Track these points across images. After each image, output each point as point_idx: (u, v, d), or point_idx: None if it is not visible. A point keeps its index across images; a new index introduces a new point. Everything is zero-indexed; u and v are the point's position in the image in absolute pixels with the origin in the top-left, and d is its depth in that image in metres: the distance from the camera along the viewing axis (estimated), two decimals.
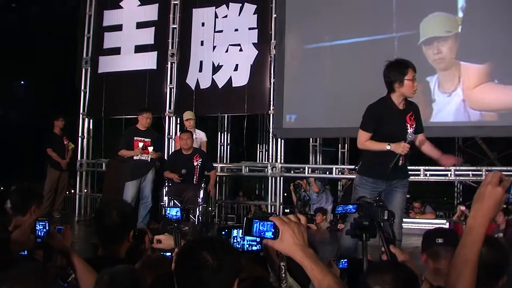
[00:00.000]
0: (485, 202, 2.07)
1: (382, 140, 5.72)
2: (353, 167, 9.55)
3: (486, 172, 10.66)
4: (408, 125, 5.74)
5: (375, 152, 5.79)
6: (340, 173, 11.94)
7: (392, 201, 5.63)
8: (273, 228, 2.16)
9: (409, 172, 10.77)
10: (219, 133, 13.72)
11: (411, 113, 5.81)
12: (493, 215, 2.09)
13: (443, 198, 15.24)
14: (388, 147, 5.62)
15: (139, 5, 13.13)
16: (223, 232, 2.60)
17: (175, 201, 9.48)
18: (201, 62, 12.33)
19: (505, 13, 9.88)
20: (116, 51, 13.19)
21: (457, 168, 11.29)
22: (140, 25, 13.02)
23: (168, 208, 3.93)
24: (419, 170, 11.07)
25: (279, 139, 11.79)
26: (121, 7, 13.28)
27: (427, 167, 11.00)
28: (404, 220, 10.47)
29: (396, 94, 5.74)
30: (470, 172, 11.16)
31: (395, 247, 3.25)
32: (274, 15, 11.79)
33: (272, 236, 2.16)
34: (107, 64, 13.26)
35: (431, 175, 11.19)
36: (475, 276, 2.07)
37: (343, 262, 3.36)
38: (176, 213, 3.87)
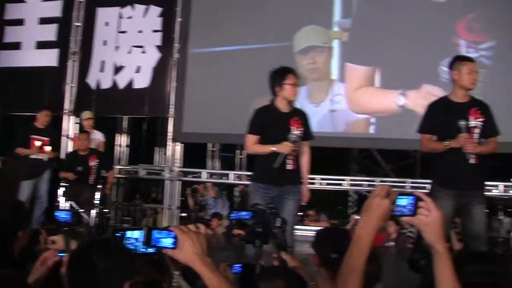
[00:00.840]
0: (373, 213, 2.15)
1: (268, 143, 5.84)
2: (250, 173, 9.64)
3: (380, 183, 11.02)
4: (293, 127, 5.86)
5: (263, 156, 5.93)
6: (237, 179, 12.01)
7: (284, 208, 5.71)
8: (173, 238, 2.18)
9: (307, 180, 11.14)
10: (117, 134, 13.49)
11: (298, 118, 5.95)
12: (379, 226, 2.17)
13: (337, 207, 15.55)
14: (273, 149, 5.73)
15: (43, 1, 12.76)
16: (118, 234, 2.59)
17: (72, 203, 9.27)
18: (103, 62, 12.12)
19: (386, 21, 10.33)
20: (16, 46, 12.74)
21: (352, 178, 11.65)
22: (43, 21, 12.63)
23: (58, 211, 3.87)
24: (314, 179, 11.31)
25: (177, 143, 11.78)
26: (24, 1, 12.84)
27: (323, 176, 11.27)
28: (299, 227, 10.71)
29: (279, 98, 5.94)
30: (364, 183, 11.50)
31: (286, 254, 3.30)
32: (178, 19, 11.75)
33: (173, 246, 2.19)
34: (6, 59, 12.80)
35: (327, 183, 11.45)
36: (361, 284, 2.14)
37: (237, 267, 3.38)
38: (66, 215, 3.81)
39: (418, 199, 2.13)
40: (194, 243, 2.18)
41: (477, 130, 5.42)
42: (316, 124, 9.78)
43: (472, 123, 5.41)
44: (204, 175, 12.08)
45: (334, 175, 11.82)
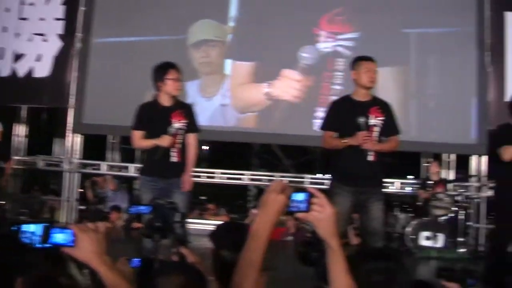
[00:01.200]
0: (269, 209, 2.20)
1: (151, 137, 5.95)
2: None
3: (280, 178, 11.20)
4: (175, 120, 5.92)
5: (148, 150, 6.02)
6: (137, 172, 11.86)
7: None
8: (72, 236, 2.17)
9: (207, 175, 11.22)
10: (15, 124, 13.06)
11: (181, 111, 6.03)
12: (276, 220, 2.21)
13: (237, 201, 15.68)
14: (155, 142, 5.86)
15: None
16: (14, 228, 2.55)
17: None
18: (2, 49, 11.68)
19: (265, 18, 10.70)
20: None
21: (252, 173, 11.76)
22: None
23: None
24: (214, 173, 11.37)
25: (77, 134, 11.58)
26: None
27: (223, 170, 11.34)
28: (198, 221, 10.75)
29: (162, 93, 6.00)
30: (264, 177, 11.64)
31: (186, 248, 3.32)
32: (82, 8, 11.50)
33: (71, 244, 2.18)
34: None
35: (227, 178, 11.52)
36: (259, 278, 2.18)
37: (136, 261, 3.38)
38: None
39: (311, 195, 2.16)
40: (92, 242, 2.18)
41: (376, 129, 5.57)
42: (208, 118, 9.91)
43: (372, 121, 5.56)
44: (103, 167, 11.95)
45: (235, 170, 11.92)
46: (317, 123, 9.41)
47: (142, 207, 3.60)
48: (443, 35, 10.75)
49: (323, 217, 2.15)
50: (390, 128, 5.63)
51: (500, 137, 5.87)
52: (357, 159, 5.46)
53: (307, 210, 2.14)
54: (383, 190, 5.83)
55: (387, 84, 9.48)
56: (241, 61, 10.75)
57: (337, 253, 2.17)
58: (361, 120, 5.44)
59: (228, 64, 10.86)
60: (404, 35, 10.55)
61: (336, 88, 10.22)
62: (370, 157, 5.47)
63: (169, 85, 5.96)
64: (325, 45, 10.37)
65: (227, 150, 14.78)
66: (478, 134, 10.41)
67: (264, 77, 10.63)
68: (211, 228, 9.83)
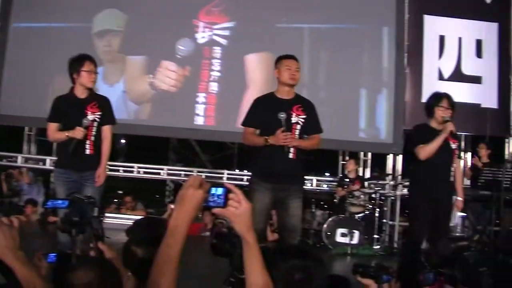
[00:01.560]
0: (187, 204, 2.15)
1: (65, 129, 5.81)
2: None
3: (198, 173, 11.17)
4: (89, 112, 5.82)
5: (62, 142, 5.89)
6: (54, 165, 11.60)
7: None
8: None
9: (125, 169, 11.08)
10: None
11: (96, 103, 5.91)
12: (193, 216, 2.18)
13: (155, 195, 15.53)
14: (68, 134, 5.73)
15: None
16: None
17: None
18: None
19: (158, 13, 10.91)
20: None
21: (170, 167, 11.70)
22: None
23: None
24: (132, 167, 11.25)
25: None
26: None
27: (140, 165, 11.23)
28: (115, 215, 10.59)
29: (77, 85, 5.88)
30: (182, 172, 11.59)
31: (103, 244, 3.24)
32: None
33: None
34: None
35: (144, 172, 11.42)
36: (177, 274, 2.14)
37: (52, 256, 3.27)
38: None
39: (228, 190, 2.16)
40: (6, 237, 2.10)
41: (298, 127, 5.54)
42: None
43: (294, 119, 5.56)
44: (19, 159, 11.66)
45: (153, 164, 11.82)
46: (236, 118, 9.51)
47: (59, 201, 3.48)
48: (357, 32, 11.07)
49: (239, 212, 2.14)
50: (312, 126, 5.65)
51: (417, 137, 6.00)
52: (277, 156, 5.45)
53: (224, 205, 2.13)
54: (303, 187, 5.84)
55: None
56: (133, 55, 10.93)
57: (253, 248, 2.18)
58: (282, 115, 5.43)
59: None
60: (297, 29, 10.97)
61: (215, 75, 10.68)
62: (290, 155, 5.48)
63: (84, 77, 5.83)
64: (202, 35, 10.77)
65: (144, 144, 14.63)
66: (395, 133, 10.66)
67: (150, 70, 10.83)
68: (129, 222, 9.73)
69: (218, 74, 10.64)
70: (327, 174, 14.03)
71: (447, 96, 6.02)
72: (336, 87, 10.68)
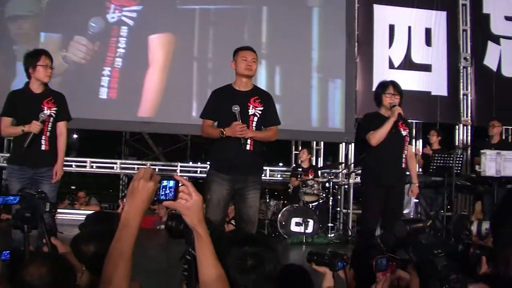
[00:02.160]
0: (138, 197, 2.12)
1: (20, 124, 5.70)
2: None
3: (151, 167, 11.10)
4: (46, 107, 5.74)
5: (17, 137, 5.75)
6: (4, 162, 11.39)
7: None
8: None
9: (77, 164, 10.96)
10: None
11: (52, 99, 5.83)
12: (145, 208, 2.15)
13: (108, 190, 15.40)
14: (23, 129, 5.62)
15: None
16: None
17: None
18: None
19: None
20: None
21: (123, 161, 11.61)
22: None
23: None
24: (85, 162, 11.12)
25: None
26: None
27: (93, 159, 11.13)
28: (69, 211, 10.48)
29: (32, 80, 5.80)
30: (135, 166, 11.52)
31: (56, 239, 3.21)
32: None
33: None
34: None
35: (97, 167, 11.31)
36: (130, 268, 2.12)
37: (5, 254, 3.22)
38: None
39: (178, 183, 2.14)
40: None
41: (255, 119, 5.53)
42: None
43: (251, 111, 5.55)
44: None
45: (106, 158, 11.72)
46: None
47: (10, 197, 3.42)
48: (309, 26, 11.15)
49: (189, 205, 2.12)
50: (269, 118, 5.64)
51: (368, 124, 6.07)
52: (234, 148, 5.44)
53: (175, 198, 2.12)
54: (261, 179, 5.84)
55: None
56: (50, 33, 10.98)
57: (204, 240, 2.16)
58: (235, 108, 5.42)
59: (42, 36, 10.93)
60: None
61: (120, 51, 10.92)
62: (248, 146, 5.48)
63: (40, 72, 5.73)
64: (112, 15, 11.04)
65: (96, 138, 14.47)
66: (346, 122, 10.77)
67: (64, 46, 10.89)
68: (82, 218, 9.62)
69: (123, 51, 10.94)
70: (280, 164, 14.07)
71: (392, 83, 6.11)
72: (287, 77, 10.70)
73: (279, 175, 11.82)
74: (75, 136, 15.32)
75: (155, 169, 11.48)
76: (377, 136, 5.84)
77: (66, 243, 3.28)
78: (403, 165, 5.98)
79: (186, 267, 2.27)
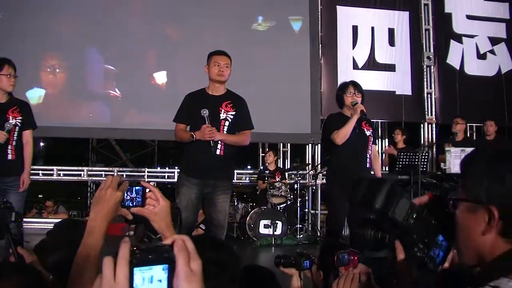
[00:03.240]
0: (105, 205, 2.12)
1: None
2: None
3: (118, 173, 11.07)
4: (10, 116, 5.72)
5: None
6: None
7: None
8: None
9: (44, 172, 10.86)
10: None
11: (17, 108, 5.81)
12: (111, 216, 2.14)
13: (76, 197, 15.28)
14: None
15: None
16: None
17: None
18: None
19: None
20: None
21: (90, 168, 11.54)
22: None
23: None
24: (52, 170, 11.03)
25: None
26: None
27: (59, 167, 11.04)
28: (37, 220, 10.37)
29: None
30: (103, 173, 11.47)
31: (22, 248, 3.19)
32: None
33: None
34: None
35: (64, 175, 11.22)
36: (96, 274, 2.12)
37: None
38: None
39: (145, 189, 2.14)
40: None
41: (227, 123, 5.55)
42: None
43: (222, 115, 5.56)
44: None
45: (73, 166, 11.64)
46: None
47: None
48: (272, 28, 11.16)
49: (157, 210, 2.13)
50: (241, 122, 5.65)
51: (332, 124, 6.11)
52: (204, 152, 5.45)
53: (142, 204, 2.13)
54: (231, 183, 5.84)
55: None
56: None
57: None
58: (204, 112, 5.43)
59: None
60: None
61: None
62: (218, 151, 5.50)
63: (4, 81, 5.71)
64: None
65: (62, 146, 14.37)
66: (312, 123, 10.84)
67: None
68: (50, 226, 9.54)
69: None
70: (248, 167, 14.11)
71: (352, 83, 6.22)
72: (252, 79, 10.73)
73: (247, 178, 11.85)
74: (41, 144, 15.20)
75: (122, 175, 11.45)
76: (341, 135, 5.89)
77: (33, 252, 3.26)
78: (368, 165, 6.03)
79: None
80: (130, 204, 2.14)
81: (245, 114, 5.73)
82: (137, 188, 2.13)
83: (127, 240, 1.22)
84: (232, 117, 5.59)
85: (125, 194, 2.13)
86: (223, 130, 5.54)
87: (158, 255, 1.21)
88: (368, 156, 6.01)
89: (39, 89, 10.47)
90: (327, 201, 7.46)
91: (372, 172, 6.28)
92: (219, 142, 5.50)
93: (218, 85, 5.66)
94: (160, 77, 10.86)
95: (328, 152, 6.42)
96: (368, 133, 6.05)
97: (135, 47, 10.68)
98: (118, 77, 10.73)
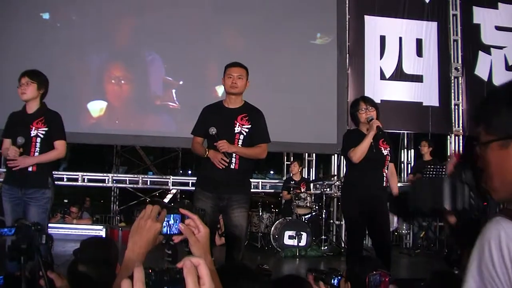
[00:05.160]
0: (144, 236, 2.09)
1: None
2: None
3: (142, 180, 11.12)
4: (34, 127, 5.66)
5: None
6: None
7: (28, 215, 5.46)
8: None
9: (68, 177, 10.90)
10: None
11: (41, 118, 5.74)
12: (149, 248, 2.11)
13: (99, 201, 15.34)
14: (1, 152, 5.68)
15: None
16: None
17: None
18: None
19: None
20: None
21: (114, 175, 11.59)
22: None
23: None
24: (77, 175, 11.08)
25: None
26: None
27: (84, 173, 11.11)
28: (61, 225, 10.40)
29: None
30: (127, 179, 11.52)
31: (52, 272, 3.18)
32: None
33: None
34: None
35: (89, 180, 11.26)
36: None
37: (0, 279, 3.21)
38: None
39: (184, 216, 2.11)
40: None
41: (241, 137, 5.51)
42: None
43: (237, 129, 5.51)
44: None
45: (98, 169, 11.72)
46: None
47: (4, 230, 3.38)
48: (299, 32, 11.13)
49: (200, 237, 2.08)
50: (257, 136, 5.59)
51: (348, 142, 5.95)
52: (218, 167, 5.43)
53: (180, 232, 2.09)
54: (247, 197, 5.79)
55: None
56: None
57: (211, 273, 2.11)
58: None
59: None
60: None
61: None
62: (233, 165, 5.46)
63: (18, 92, 5.71)
64: None
65: (86, 149, 14.42)
66: (338, 134, 10.76)
67: None
68: (75, 232, 9.49)
69: None
70: (271, 172, 14.07)
71: (362, 99, 6.04)
72: (278, 88, 10.69)
73: (270, 187, 11.82)
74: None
75: (146, 182, 11.47)
76: (358, 153, 5.71)
77: (63, 276, 3.25)
78: (385, 183, 5.89)
79: (169, 253, 2.23)
80: (168, 232, 2.10)
81: (261, 127, 5.66)
82: (176, 215, 2.10)
83: (139, 264, 1.28)
84: (247, 130, 5.54)
85: (165, 222, 2.10)
86: (238, 144, 5.50)
87: (172, 276, 1.27)
88: (384, 175, 5.86)
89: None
90: (345, 222, 7.41)
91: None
92: (234, 156, 5.46)
93: (233, 97, 5.62)
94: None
95: (346, 167, 6.33)
96: (385, 152, 5.86)
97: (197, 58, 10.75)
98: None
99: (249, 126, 5.55)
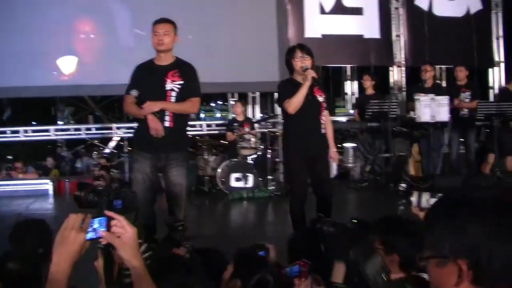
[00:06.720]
0: (69, 247, 2.02)
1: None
2: None
3: (85, 133, 11.05)
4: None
5: None
6: None
7: None
8: None
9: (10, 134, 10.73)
10: None
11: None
12: (76, 260, 2.05)
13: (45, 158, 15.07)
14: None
15: None
16: None
17: None
18: None
19: None
20: None
21: (57, 127, 11.45)
22: None
23: None
24: (18, 131, 10.90)
25: None
26: None
27: (26, 128, 10.95)
28: (7, 182, 10.24)
29: None
30: (71, 127, 11.40)
31: None
32: None
33: None
34: None
35: (32, 132, 11.12)
36: None
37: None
38: None
39: (110, 218, 2.05)
40: None
41: (173, 93, 5.47)
42: None
43: (168, 86, 5.46)
44: None
45: (42, 120, 11.55)
46: None
47: None
48: None
49: (126, 239, 2.03)
50: (188, 90, 5.54)
51: (283, 93, 5.81)
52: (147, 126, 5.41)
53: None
54: (185, 155, 5.78)
55: None
56: None
57: (141, 273, 2.05)
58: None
59: None
60: None
61: None
62: (167, 123, 5.43)
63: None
64: None
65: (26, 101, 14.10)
66: (280, 71, 10.69)
67: None
68: (21, 188, 9.38)
69: None
70: (218, 115, 13.98)
71: (299, 46, 5.91)
72: (218, 30, 10.55)
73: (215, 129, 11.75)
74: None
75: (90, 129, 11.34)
76: (293, 104, 5.60)
77: None
78: (322, 131, 5.86)
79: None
80: (96, 237, 2.06)
81: (193, 82, 5.63)
82: (102, 219, 2.05)
83: None
84: (179, 86, 5.51)
85: (90, 226, 2.05)
86: (170, 100, 5.48)
87: None
88: (322, 122, 5.82)
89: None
90: (286, 169, 7.41)
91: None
92: (166, 113, 5.44)
93: (162, 54, 5.58)
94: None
95: (283, 117, 6.25)
96: (321, 99, 5.76)
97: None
98: None
99: (181, 82, 5.51)
